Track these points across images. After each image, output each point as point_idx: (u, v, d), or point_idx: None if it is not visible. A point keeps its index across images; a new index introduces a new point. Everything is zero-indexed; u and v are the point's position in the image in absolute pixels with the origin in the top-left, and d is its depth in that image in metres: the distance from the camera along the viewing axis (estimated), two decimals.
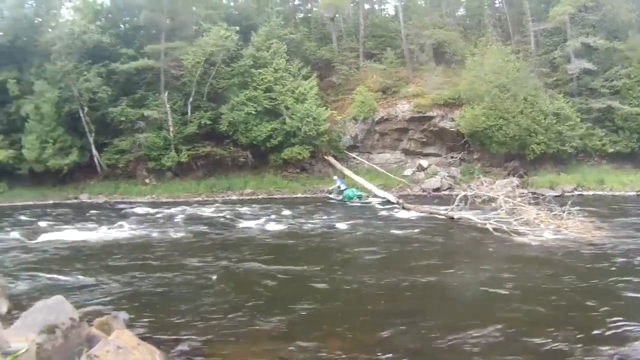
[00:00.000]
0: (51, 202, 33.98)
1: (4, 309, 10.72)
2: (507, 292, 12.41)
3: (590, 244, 16.65)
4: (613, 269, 14.03)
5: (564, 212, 19.14)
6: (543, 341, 9.42)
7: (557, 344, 9.25)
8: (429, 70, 37.77)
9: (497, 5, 45.97)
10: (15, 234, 22.14)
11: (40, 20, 38.76)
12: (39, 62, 36.68)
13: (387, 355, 9.38)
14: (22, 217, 27.91)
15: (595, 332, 9.70)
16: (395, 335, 10.19)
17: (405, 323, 10.69)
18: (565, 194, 25.44)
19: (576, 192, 26.16)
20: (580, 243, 16.90)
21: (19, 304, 11.43)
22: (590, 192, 26.89)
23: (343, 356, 9.45)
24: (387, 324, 10.76)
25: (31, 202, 33.41)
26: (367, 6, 50.70)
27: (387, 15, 51.18)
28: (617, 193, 26.65)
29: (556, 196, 23.53)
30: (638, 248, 16.10)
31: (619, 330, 9.70)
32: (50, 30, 37.37)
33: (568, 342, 9.26)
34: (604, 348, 8.94)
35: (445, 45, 38.45)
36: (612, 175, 29.31)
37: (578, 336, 9.51)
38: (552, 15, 34.10)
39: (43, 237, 21.29)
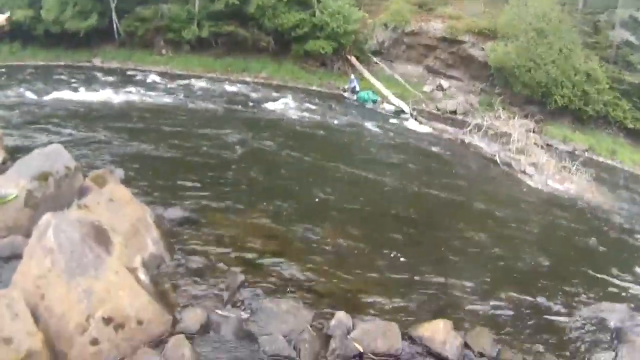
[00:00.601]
0: (63, 63, 33.33)
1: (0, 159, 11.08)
2: (501, 222, 12.99)
3: (588, 204, 16.85)
4: (602, 230, 14.47)
5: (572, 166, 19.21)
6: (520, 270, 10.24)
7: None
8: None
9: None
10: (23, 91, 21.96)
11: None
12: None
13: (368, 247, 9.86)
14: (33, 76, 27.57)
15: (571, 285, 10.20)
16: (385, 236, 10.60)
17: (396, 228, 11.10)
18: (576, 152, 25.20)
19: (587, 154, 25.86)
20: (580, 200, 17.10)
21: (16, 155, 11.34)
22: (601, 159, 26.50)
23: (328, 241, 9.68)
24: (383, 226, 11.00)
25: (43, 63, 32.87)
26: None
27: None
28: (627, 168, 26.39)
29: (567, 151, 23.64)
30: (630, 219, 16.42)
31: (593, 287, 10.30)
32: None
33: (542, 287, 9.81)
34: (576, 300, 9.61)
35: None
36: (626, 150, 28.85)
37: (550, 284, 10.04)
38: None
39: (51, 96, 21.29)
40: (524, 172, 18.60)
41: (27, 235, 6.59)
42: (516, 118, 23.63)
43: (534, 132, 24.06)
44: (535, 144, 21.24)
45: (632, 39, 31.13)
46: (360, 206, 12.04)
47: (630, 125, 29.63)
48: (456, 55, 33.19)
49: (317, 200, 12.02)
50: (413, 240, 10.58)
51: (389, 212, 12.07)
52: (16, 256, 6.36)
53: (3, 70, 29.04)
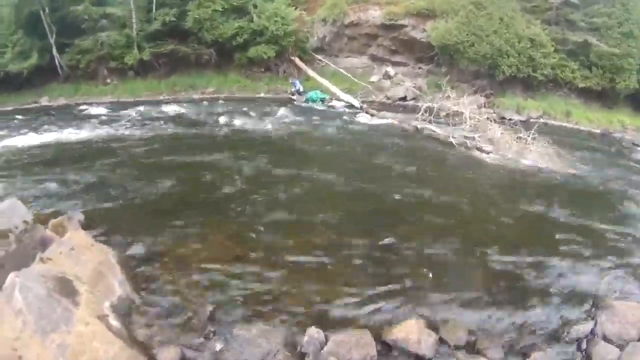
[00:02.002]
0: (10, 108, 32.45)
1: None
2: (464, 205, 12.86)
3: (549, 171, 16.82)
4: (565, 196, 14.44)
5: (528, 136, 19.07)
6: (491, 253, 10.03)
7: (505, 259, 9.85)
8: None
9: None
10: None
11: None
12: None
13: (331, 256, 9.62)
14: None
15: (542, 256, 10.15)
16: (347, 241, 10.34)
17: (357, 232, 10.87)
18: (531, 120, 25.38)
19: (542, 120, 26.04)
20: (539, 168, 17.08)
21: None
22: (556, 122, 26.74)
23: (291, 256, 9.53)
24: (344, 231, 10.80)
25: None
26: None
27: None
28: (582, 128, 26.72)
29: (522, 121, 23.55)
30: (594, 181, 16.52)
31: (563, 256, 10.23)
32: None
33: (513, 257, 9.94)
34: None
35: None
36: (580, 110, 29.15)
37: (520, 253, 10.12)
38: None
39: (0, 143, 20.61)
40: (480, 149, 18.46)
41: None
42: (465, 96, 23.44)
43: (485, 106, 24.02)
44: (488, 119, 20.96)
45: None
46: (320, 213, 11.81)
47: (581, 85, 29.81)
48: (398, 40, 33.06)
49: (275, 212, 11.84)
50: (375, 243, 10.29)
51: (349, 215, 11.87)
52: None
53: None
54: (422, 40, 31.85)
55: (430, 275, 9.14)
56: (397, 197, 13.09)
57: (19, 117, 28.00)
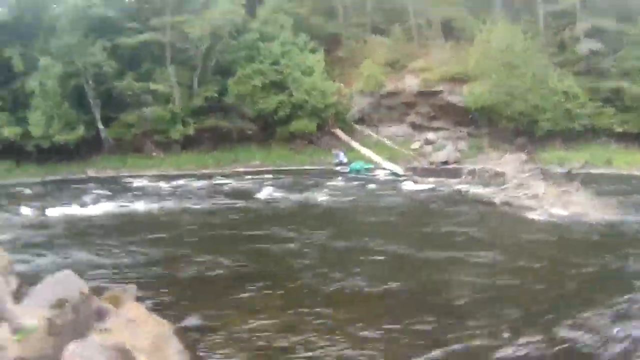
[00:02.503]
0: (59, 178, 33.78)
1: (13, 286, 10.66)
2: (514, 265, 12.48)
3: (597, 221, 16.42)
4: (618, 246, 13.83)
5: (572, 188, 18.98)
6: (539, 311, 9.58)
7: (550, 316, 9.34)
8: (437, 45, 37.46)
9: None
10: (22, 211, 21.98)
11: None
12: (44, 38, 36.22)
13: (394, 327, 9.41)
14: (30, 194, 27.77)
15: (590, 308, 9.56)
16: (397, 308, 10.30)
17: (407, 301, 10.66)
18: (573, 171, 25.05)
19: (584, 170, 25.74)
20: (587, 220, 16.68)
21: (27, 281, 11.25)
22: (598, 171, 26.48)
23: (344, 326, 9.36)
24: (395, 300, 10.84)
25: (39, 179, 33.28)
26: None
27: None
28: (624, 172, 26.48)
29: (564, 173, 23.40)
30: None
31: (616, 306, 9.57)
32: (55, 5, 37.00)
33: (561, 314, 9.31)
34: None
35: (453, 22, 38.01)
36: (620, 155, 29.04)
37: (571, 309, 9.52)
38: None
39: (51, 213, 21.29)
40: (525, 207, 18.38)
41: None
42: (507, 154, 23.80)
43: (527, 163, 24.09)
44: (530, 176, 21.15)
45: (598, 46, 31.72)
46: (365, 278, 11.87)
47: (619, 129, 29.89)
48: (436, 106, 33.78)
49: (331, 283, 11.79)
50: (418, 308, 10.18)
51: (392, 280, 11.78)
52: None
53: (1, 189, 29.53)
54: (459, 104, 32.49)
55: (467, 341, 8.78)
56: (437, 262, 13.05)
57: (67, 187, 29.14)
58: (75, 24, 34.64)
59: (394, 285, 11.39)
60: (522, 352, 8.03)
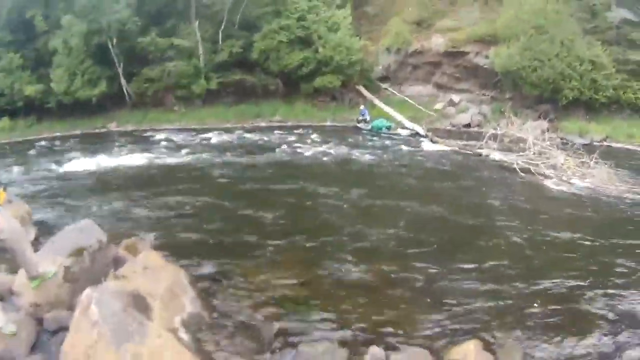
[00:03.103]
0: (80, 132, 34.25)
1: (32, 235, 11.01)
2: (528, 233, 12.63)
3: (613, 196, 16.59)
4: (631, 223, 13.96)
5: (591, 160, 19.16)
6: (550, 283, 9.79)
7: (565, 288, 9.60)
8: (466, 4, 36.92)
9: None
10: (43, 164, 22.62)
11: None
12: None
13: (396, 278, 9.85)
14: (51, 148, 28.36)
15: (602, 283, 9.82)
16: (412, 265, 10.51)
17: (423, 256, 11.00)
18: (594, 143, 25.19)
19: (605, 143, 25.73)
20: (603, 193, 16.86)
21: (47, 230, 11.77)
22: (620, 145, 26.19)
23: (357, 277, 9.86)
24: (409, 255, 11.07)
25: (59, 134, 33.83)
26: None
27: None
28: None
29: (585, 144, 23.51)
30: None
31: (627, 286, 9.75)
32: None
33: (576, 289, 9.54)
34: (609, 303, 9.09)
35: None
36: None
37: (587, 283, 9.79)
38: None
39: (71, 166, 21.84)
40: (544, 175, 18.62)
41: (69, 308, 6.89)
42: (529, 121, 23.85)
43: (548, 131, 24.13)
44: (550, 145, 21.25)
45: (630, 16, 30.97)
46: (386, 237, 12.19)
47: None
48: (462, 67, 33.54)
49: (343, 235, 12.23)
50: (439, 267, 10.43)
51: (415, 239, 12.13)
52: (61, 329, 6.57)
53: (23, 145, 30.08)
54: (485, 66, 32.24)
55: (496, 301, 9.18)
56: (457, 224, 13.38)
57: (89, 140, 29.73)
58: None
59: (421, 248, 11.58)
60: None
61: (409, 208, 14.55)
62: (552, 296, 9.37)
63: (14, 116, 35.93)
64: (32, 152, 27.20)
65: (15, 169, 22.01)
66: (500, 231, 12.90)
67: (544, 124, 25.65)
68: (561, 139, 23.61)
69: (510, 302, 9.16)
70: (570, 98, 28.72)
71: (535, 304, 9.05)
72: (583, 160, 19.50)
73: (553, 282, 9.92)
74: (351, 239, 12.04)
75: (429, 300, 9.13)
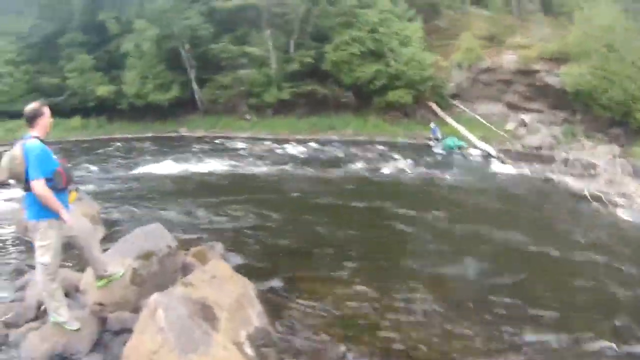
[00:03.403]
0: (151, 135, 35.31)
1: (101, 235, 11.65)
2: (612, 271, 11.92)
3: None
4: None
5: None
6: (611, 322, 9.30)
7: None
8: (536, 21, 36.95)
9: None
10: (114, 165, 23.38)
11: None
12: (138, 1, 37.81)
13: (464, 307, 9.60)
14: (123, 149, 29.44)
15: None
16: (477, 295, 10.32)
17: (488, 286, 10.77)
18: None
19: None
20: None
21: (115, 231, 12.49)
22: None
23: (425, 304, 9.57)
24: (475, 284, 10.99)
25: (130, 136, 35.08)
26: None
27: None
28: None
29: None
30: None
31: None
32: None
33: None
34: None
35: None
36: None
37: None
38: None
39: (144, 168, 22.53)
40: (614, 204, 18.21)
41: (134, 310, 7.14)
42: (600, 145, 23.97)
43: (619, 157, 23.96)
44: (622, 171, 21.34)
45: None
46: (464, 265, 11.92)
47: None
48: (533, 87, 33.18)
49: (419, 260, 12.04)
50: (519, 300, 10.02)
51: (493, 269, 11.83)
52: (124, 330, 6.79)
53: (93, 144, 31.18)
54: (556, 86, 31.78)
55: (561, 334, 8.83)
56: (519, 253, 12.99)
57: (160, 144, 30.36)
58: None
59: (499, 279, 11.24)
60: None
61: (487, 235, 14.20)
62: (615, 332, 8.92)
63: (86, 116, 37.88)
64: (104, 151, 28.31)
65: (88, 168, 22.93)
66: (582, 267, 12.33)
67: (616, 148, 25.48)
68: (632, 166, 23.05)
69: (579, 336, 8.76)
70: None
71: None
72: None
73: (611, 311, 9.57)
74: (427, 264, 11.83)
75: (505, 337, 8.71)
